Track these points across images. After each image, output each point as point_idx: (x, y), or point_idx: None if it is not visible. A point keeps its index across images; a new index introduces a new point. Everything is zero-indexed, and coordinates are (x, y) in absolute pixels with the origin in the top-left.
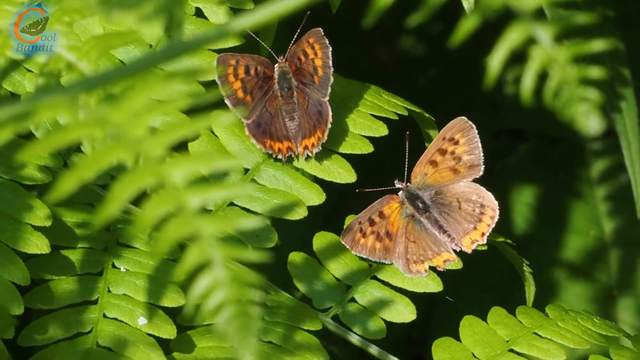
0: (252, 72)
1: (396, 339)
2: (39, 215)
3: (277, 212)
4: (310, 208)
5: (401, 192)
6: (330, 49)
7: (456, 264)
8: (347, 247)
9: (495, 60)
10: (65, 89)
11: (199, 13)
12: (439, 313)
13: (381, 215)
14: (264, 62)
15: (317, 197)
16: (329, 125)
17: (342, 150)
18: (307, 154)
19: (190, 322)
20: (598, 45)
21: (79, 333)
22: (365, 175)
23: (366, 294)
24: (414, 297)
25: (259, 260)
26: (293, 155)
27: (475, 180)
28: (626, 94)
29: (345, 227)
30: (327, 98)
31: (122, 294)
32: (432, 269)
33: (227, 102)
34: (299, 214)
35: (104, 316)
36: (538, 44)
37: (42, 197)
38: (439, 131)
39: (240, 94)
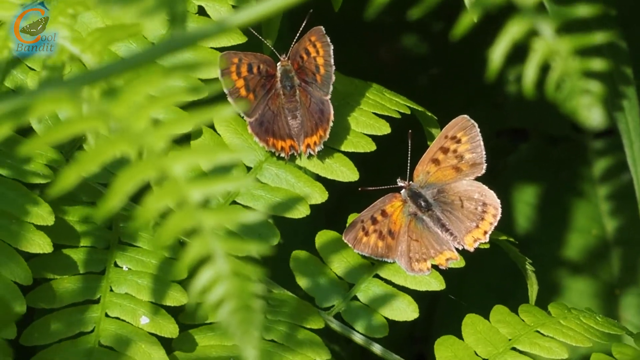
0: (255, 70)
1: (398, 337)
2: (41, 214)
3: (280, 210)
4: (312, 206)
5: (403, 190)
6: (332, 47)
7: (459, 262)
8: (350, 245)
9: (497, 53)
10: (67, 83)
11: (201, 11)
12: (442, 311)
13: (383, 213)
14: (266, 61)
15: (319, 195)
16: (331, 124)
17: (344, 148)
18: (310, 153)
19: (193, 320)
20: (600, 37)
21: (81, 332)
22: (368, 174)
23: (368, 292)
24: (416, 295)
25: (261, 255)
26: (295, 154)
27: (478, 179)
28: (628, 93)
29: (347, 225)
30: (329, 96)
31: (125, 293)
32: (435, 267)
33: (229, 100)
34: (302, 212)
35: (106, 315)
36: (540, 36)
37: (45, 195)
38: (441, 130)
39: (243, 92)
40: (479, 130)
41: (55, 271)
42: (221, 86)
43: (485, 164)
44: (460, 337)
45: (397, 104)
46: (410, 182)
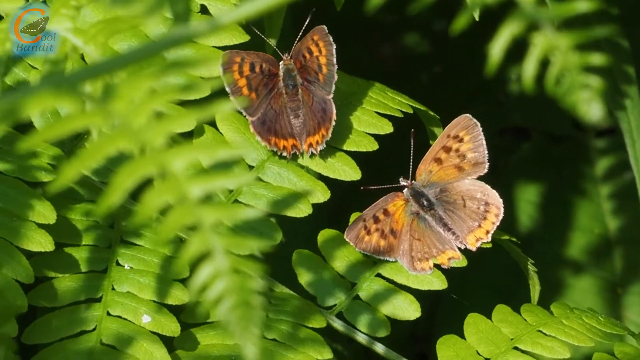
0: (258, 69)
1: (400, 336)
2: (43, 212)
3: (282, 209)
4: (314, 205)
5: (406, 189)
6: (335, 46)
7: (461, 261)
8: (351, 244)
9: (496, 49)
10: (67, 78)
11: (204, 10)
12: (444, 310)
13: (386, 212)
14: (269, 60)
15: (321, 194)
16: (333, 123)
17: (346, 147)
18: (312, 152)
19: (194, 319)
20: (599, 32)
21: (83, 331)
22: (370, 173)
23: (370, 291)
24: (418, 294)
25: (263, 253)
26: (298, 153)
27: (480, 178)
28: (630, 92)
29: (349, 224)
30: (331, 95)
31: (126, 291)
32: (437, 266)
33: (231, 98)
34: (304, 211)
35: (108, 314)
36: (539, 31)
37: (47, 193)
38: (444, 129)
39: (245, 91)
40: (481, 129)
41: (57, 269)
42: (223, 84)
43: (488, 163)
44: (462, 336)
45: (400, 103)
46: (413, 181)
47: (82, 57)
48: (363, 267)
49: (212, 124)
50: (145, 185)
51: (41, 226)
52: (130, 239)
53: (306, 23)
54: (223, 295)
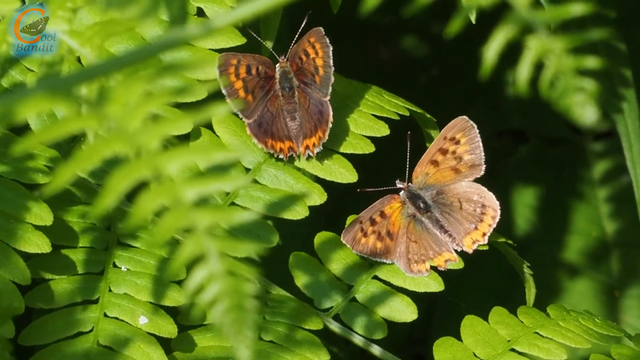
0: (254, 71)
1: (397, 338)
2: (40, 214)
3: (279, 212)
4: (311, 208)
5: (402, 192)
6: (331, 48)
7: (457, 263)
8: (348, 246)
9: (491, 51)
10: (62, 81)
11: (200, 12)
12: (440, 313)
13: (382, 214)
14: (265, 62)
15: (318, 196)
16: (330, 125)
17: (343, 150)
18: (309, 154)
19: (191, 321)
20: (594, 35)
21: (80, 332)
22: (367, 175)
23: (367, 293)
24: (415, 296)
25: (259, 255)
26: (294, 155)
27: (477, 180)
28: (628, 95)
29: (346, 226)
30: (328, 98)
31: (123, 293)
32: (434, 268)
33: (228, 101)
34: (300, 213)
35: (105, 315)
36: (534, 34)
37: (43, 196)
38: (440, 131)
39: (241, 93)
40: (477, 131)
41: (53, 271)
42: (219, 87)
43: (484, 165)
44: (459, 338)
45: (396, 106)
46: (409, 184)
47: (79, 60)
48: (360, 270)
49: (209, 126)
50: (142, 187)
51: (38, 228)
52: (127, 241)
53: (302, 25)
54: (217, 298)
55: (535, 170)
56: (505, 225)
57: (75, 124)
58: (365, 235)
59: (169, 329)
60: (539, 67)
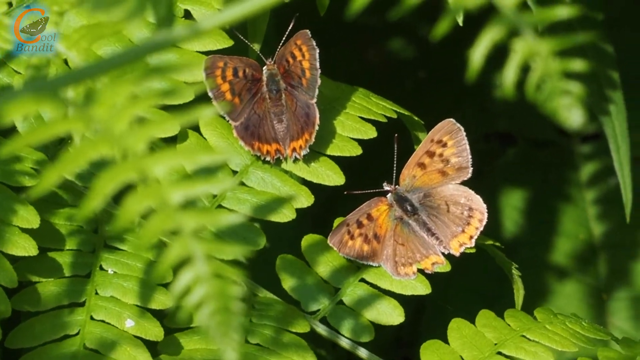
0: (241, 74)
1: (384, 341)
2: (27, 217)
3: (266, 214)
4: (298, 210)
5: (390, 194)
6: (318, 50)
7: (444, 266)
8: (335, 248)
9: (478, 53)
10: (49, 83)
11: (187, 15)
12: (427, 316)
13: (369, 217)
14: (252, 65)
15: (305, 199)
16: (317, 127)
17: (330, 152)
18: (295, 156)
19: (178, 324)
20: (580, 38)
21: (66, 335)
22: (354, 178)
23: (354, 296)
24: (402, 299)
25: (246, 258)
26: (281, 158)
27: (464, 183)
28: (615, 97)
29: (333, 229)
30: (314, 100)
31: (110, 296)
32: (421, 271)
33: (214, 103)
34: (287, 215)
35: (91, 318)
36: (520, 37)
37: (30, 199)
38: (428, 134)
39: (228, 96)
40: (464, 134)
41: (40, 274)
42: (205, 89)
43: (471, 168)
44: (446, 341)
45: (384, 108)
46: (397, 186)
47: (66, 62)
48: (347, 272)
49: (196, 129)
50: (128, 189)
51: (25, 231)
52: (114, 244)
53: (290, 28)
54: (204, 301)
55: (523, 173)
56: (492, 228)
57: (62, 127)
58: (352, 237)
59: (155, 331)
60: (525, 69)
